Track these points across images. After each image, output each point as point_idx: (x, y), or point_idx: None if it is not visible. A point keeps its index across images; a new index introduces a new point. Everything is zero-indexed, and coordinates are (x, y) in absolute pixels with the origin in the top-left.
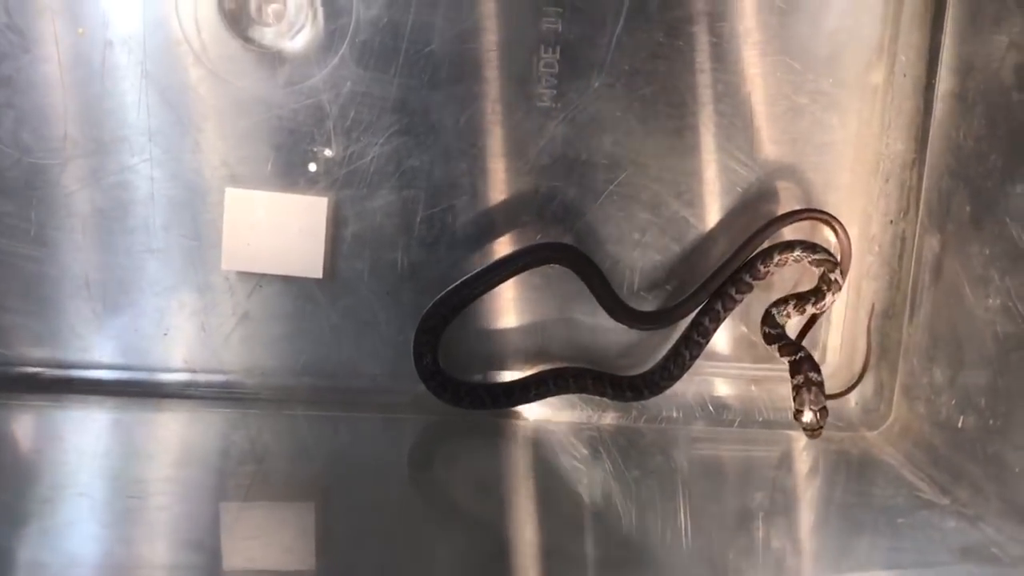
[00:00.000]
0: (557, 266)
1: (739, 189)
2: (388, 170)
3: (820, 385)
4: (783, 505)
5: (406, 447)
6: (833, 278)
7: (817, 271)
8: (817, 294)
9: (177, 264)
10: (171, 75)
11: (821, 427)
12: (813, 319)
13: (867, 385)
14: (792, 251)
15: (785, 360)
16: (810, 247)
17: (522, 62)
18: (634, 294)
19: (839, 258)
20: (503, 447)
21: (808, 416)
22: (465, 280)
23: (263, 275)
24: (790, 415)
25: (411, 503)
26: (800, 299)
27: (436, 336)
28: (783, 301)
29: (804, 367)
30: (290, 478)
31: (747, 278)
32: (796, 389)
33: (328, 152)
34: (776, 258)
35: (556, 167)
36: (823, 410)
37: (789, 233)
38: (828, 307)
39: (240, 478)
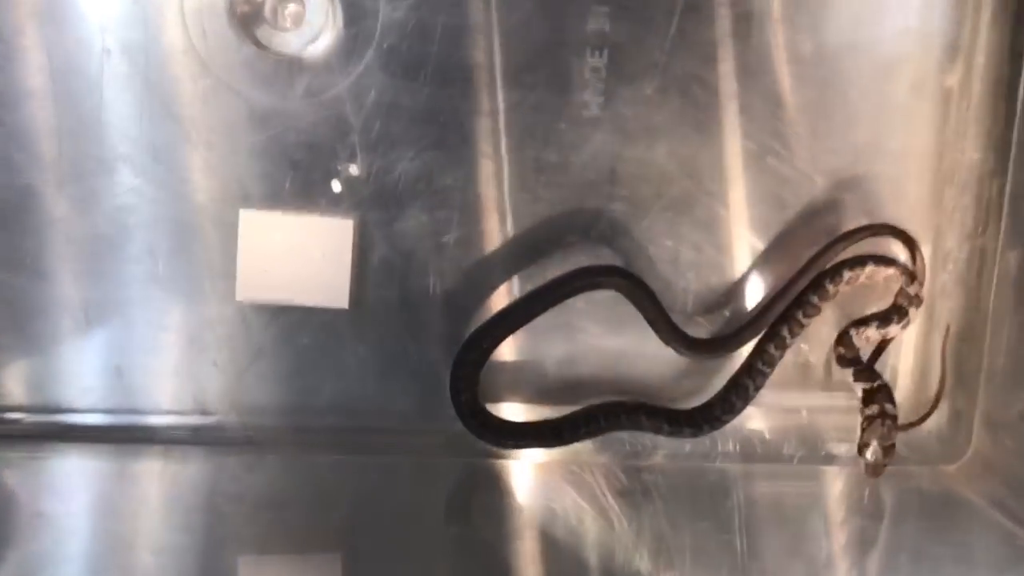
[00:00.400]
0: (605, 290)
1: (801, 204)
2: (419, 188)
3: (894, 419)
4: (852, 548)
5: (440, 494)
6: (913, 292)
7: (894, 287)
8: (899, 312)
9: (185, 295)
10: (177, 85)
11: (885, 466)
12: (884, 343)
13: (942, 414)
14: (864, 267)
15: (858, 387)
16: (883, 260)
17: (566, 67)
18: (688, 319)
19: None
20: (545, 490)
21: (874, 452)
22: (506, 309)
23: (282, 306)
24: (854, 448)
25: (445, 555)
26: (883, 319)
27: (475, 370)
28: (863, 322)
29: (880, 396)
30: (312, 527)
31: (815, 299)
32: (868, 420)
33: (352, 169)
34: (846, 275)
35: (603, 181)
36: (891, 447)
37: (855, 251)
38: (910, 325)
39: (258, 527)
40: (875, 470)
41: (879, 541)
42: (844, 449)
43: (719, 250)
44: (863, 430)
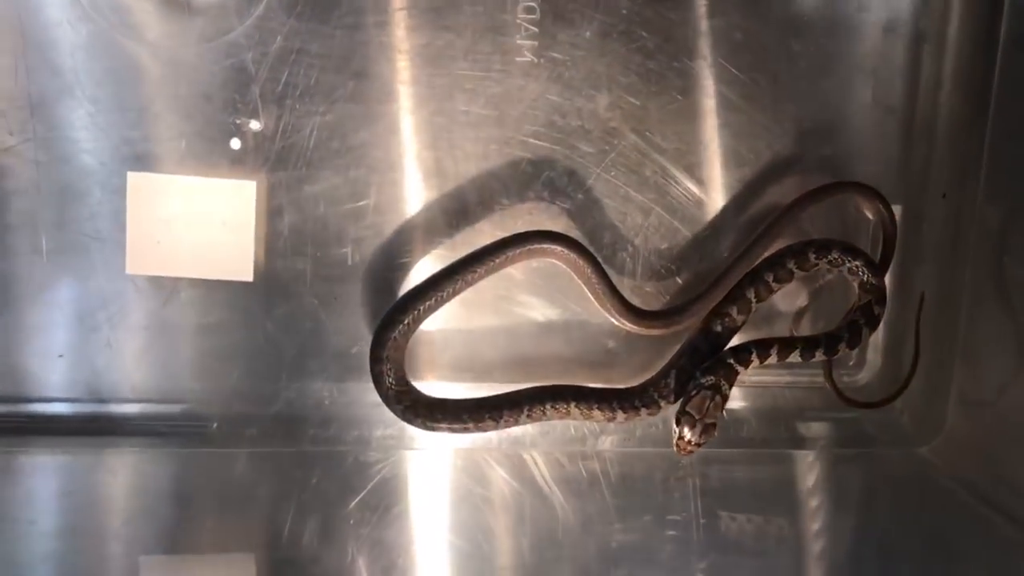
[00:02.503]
0: (545, 259)
1: (761, 160)
2: (332, 146)
3: (724, 399)
4: (816, 537)
5: (364, 485)
6: (872, 284)
7: (857, 288)
8: (852, 329)
9: (73, 268)
10: (56, 33)
11: (699, 445)
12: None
13: (915, 390)
14: (829, 252)
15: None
16: (851, 250)
17: (496, 6)
18: (636, 289)
19: (881, 262)
20: (481, 478)
21: (691, 427)
22: (432, 278)
23: (180, 279)
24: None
25: (370, 552)
26: (830, 342)
27: (399, 348)
28: (812, 344)
29: (723, 372)
30: (221, 525)
31: (770, 279)
32: (698, 389)
33: (255, 124)
34: (811, 258)
35: (541, 137)
36: (711, 427)
37: (822, 222)
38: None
39: (161, 525)
40: (686, 446)
41: (846, 530)
42: (810, 430)
43: (670, 212)
44: (689, 397)
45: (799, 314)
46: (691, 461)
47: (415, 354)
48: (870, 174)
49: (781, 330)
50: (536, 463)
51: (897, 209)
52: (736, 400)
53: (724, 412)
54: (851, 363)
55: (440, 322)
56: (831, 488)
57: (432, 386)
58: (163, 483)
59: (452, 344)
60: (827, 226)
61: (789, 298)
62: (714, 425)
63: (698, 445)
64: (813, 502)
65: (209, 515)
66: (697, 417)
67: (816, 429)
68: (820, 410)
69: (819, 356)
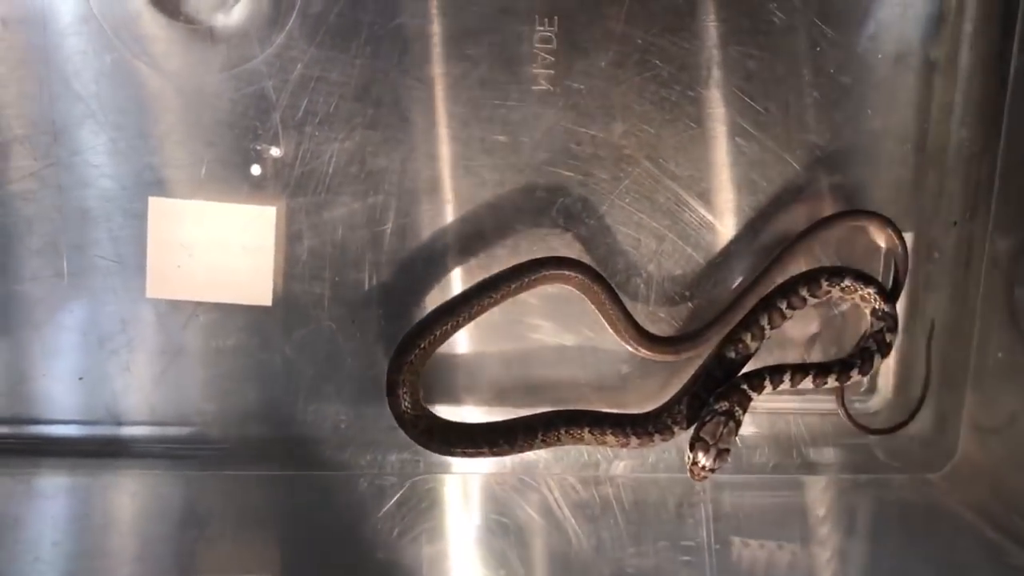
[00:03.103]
0: (560, 285)
1: (774, 188)
2: (351, 172)
3: (737, 425)
4: (828, 563)
5: (379, 511)
6: (885, 312)
7: (860, 321)
8: (864, 356)
9: (93, 292)
10: (80, 60)
11: (713, 471)
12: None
13: (926, 417)
14: (841, 279)
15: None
16: (863, 278)
17: (513, 37)
18: (650, 315)
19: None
20: (494, 504)
21: (705, 452)
22: (448, 303)
23: (199, 303)
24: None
25: None
26: (842, 368)
27: (415, 372)
28: (824, 369)
29: (736, 397)
30: (237, 548)
31: (783, 305)
32: (712, 415)
33: (275, 151)
34: (824, 285)
35: (556, 164)
36: (724, 453)
37: (834, 249)
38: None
39: (179, 547)
40: (700, 471)
41: (858, 556)
42: (822, 456)
43: (684, 239)
44: (702, 423)
45: (812, 341)
46: (704, 487)
47: (431, 378)
48: (882, 202)
49: (794, 357)
50: (550, 488)
51: (908, 237)
52: (749, 426)
53: (737, 438)
54: (863, 389)
55: (456, 347)
56: (843, 514)
57: (447, 410)
58: (179, 505)
59: (467, 368)
60: (839, 253)
61: (802, 325)
62: (728, 451)
63: (712, 470)
64: (825, 528)
65: (225, 538)
66: (711, 443)
67: (828, 455)
68: (832, 436)
69: (831, 382)
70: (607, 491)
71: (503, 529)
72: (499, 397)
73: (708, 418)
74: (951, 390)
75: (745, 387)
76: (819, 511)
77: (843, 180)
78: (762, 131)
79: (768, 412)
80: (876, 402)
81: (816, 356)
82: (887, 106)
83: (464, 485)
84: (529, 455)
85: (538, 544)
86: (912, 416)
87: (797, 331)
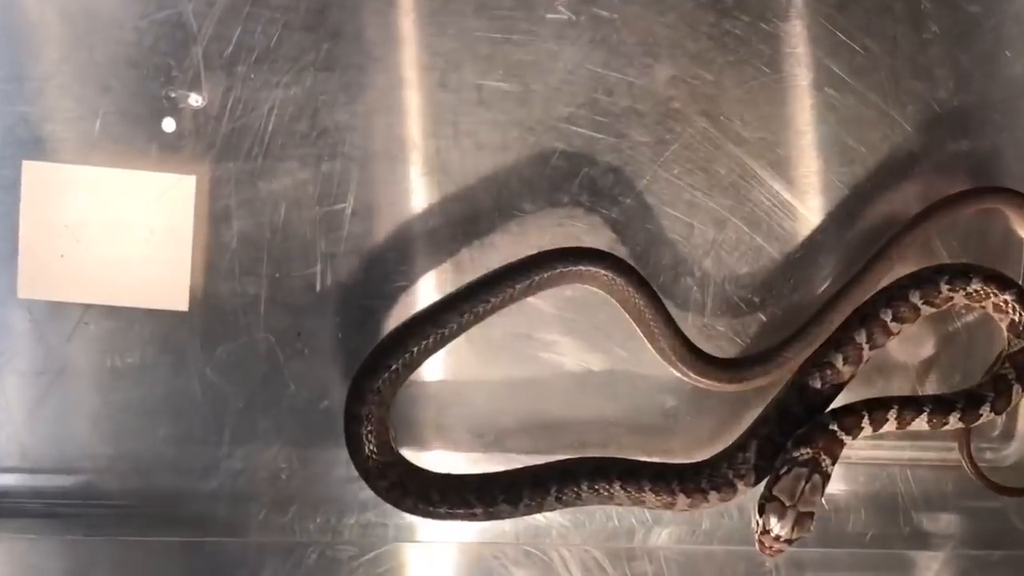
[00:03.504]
0: (582, 286)
1: (875, 157)
2: (297, 129)
3: (825, 479)
4: None
5: None
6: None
7: (1006, 330)
8: (999, 387)
9: None
10: None
11: (789, 543)
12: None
13: None
14: (968, 283)
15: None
16: (997, 280)
17: None
18: (704, 328)
19: None
20: None
21: (779, 518)
22: (430, 310)
23: (90, 306)
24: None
25: None
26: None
27: (384, 404)
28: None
29: (821, 438)
30: None
31: (887, 317)
32: (789, 466)
33: (196, 99)
34: (944, 290)
35: (579, 121)
36: (807, 518)
37: (957, 242)
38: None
39: None
40: (773, 543)
41: None
42: (938, 525)
43: (752, 225)
44: (776, 477)
45: (926, 367)
46: (777, 564)
47: (405, 414)
48: (1021, 177)
49: (901, 388)
50: (566, 564)
51: None
52: (838, 482)
53: (824, 498)
54: (996, 433)
55: (440, 371)
56: None
57: (428, 458)
58: None
59: (455, 401)
60: (966, 247)
61: (912, 345)
62: (811, 515)
63: (789, 542)
64: None
65: None
66: (788, 504)
67: (947, 523)
68: (952, 497)
69: (954, 422)
70: (645, 569)
71: None
72: (498, 441)
73: (784, 470)
74: None
75: (835, 428)
76: None
77: (971, 146)
78: (860, 79)
79: (865, 463)
80: (1015, 452)
81: (932, 387)
82: None
83: (452, 557)
84: (538, 519)
85: None
86: None
87: (906, 353)
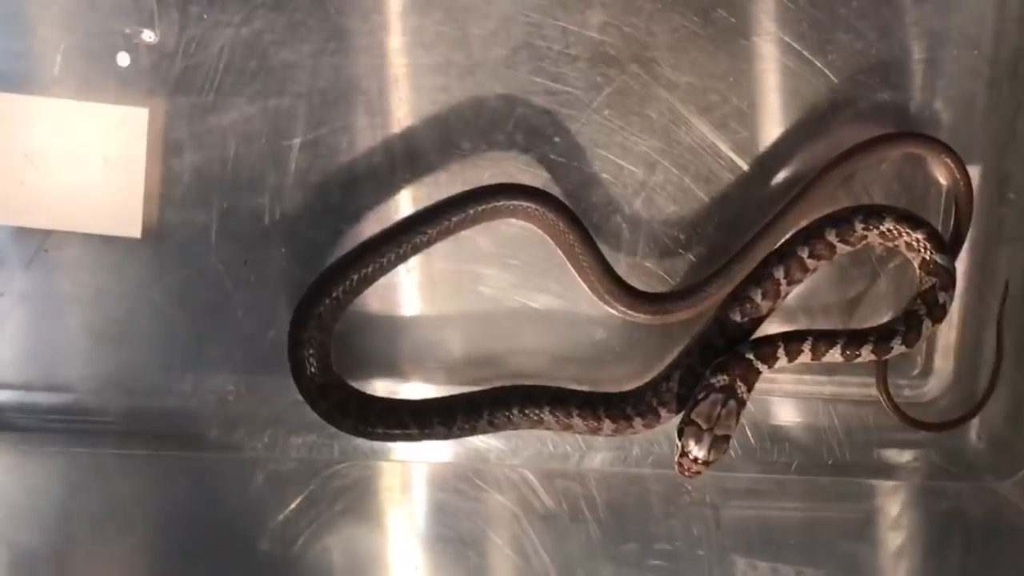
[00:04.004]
0: (516, 221)
1: (800, 103)
2: (248, 67)
3: (741, 405)
4: None
5: (278, 512)
6: (937, 264)
7: (917, 268)
8: (910, 321)
9: None
10: None
11: (707, 465)
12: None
13: (996, 407)
14: (881, 221)
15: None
16: (910, 219)
17: None
18: (635, 265)
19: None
20: (434, 509)
21: (697, 441)
22: (370, 240)
23: (48, 232)
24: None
25: None
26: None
27: (325, 330)
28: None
29: (738, 367)
30: (92, 556)
31: (804, 253)
32: (707, 392)
33: (149, 36)
34: (858, 228)
35: (515, 64)
36: (723, 441)
37: (879, 187)
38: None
39: (12, 554)
40: (691, 464)
41: None
42: (859, 457)
43: (680, 167)
44: (695, 402)
45: (850, 309)
46: (704, 490)
47: (349, 346)
48: (942, 125)
49: (821, 325)
50: (499, 486)
51: (975, 171)
52: (766, 415)
53: (741, 422)
54: (915, 372)
55: (382, 303)
56: (885, 531)
57: (371, 387)
58: (9, 498)
59: (397, 332)
60: (886, 193)
61: (839, 287)
62: (727, 438)
63: (706, 464)
64: (863, 549)
65: (73, 543)
66: (705, 428)
67: (867, 456)
68: (872, 431)
69: (867, 355)
70: (576, 491)
71: (435, 537)
72: (437, 370)
73: (702, 396)
74: None
75: (751, 357)
76: (854, 527)
77: (892, 96)
78: (786, 28)
79: (791, 396)
80: (932, 388)
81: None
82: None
83: (390, 477)
84: (477, 442)
85: (482, 560)
86: (978, 408)
87: (833, 295)
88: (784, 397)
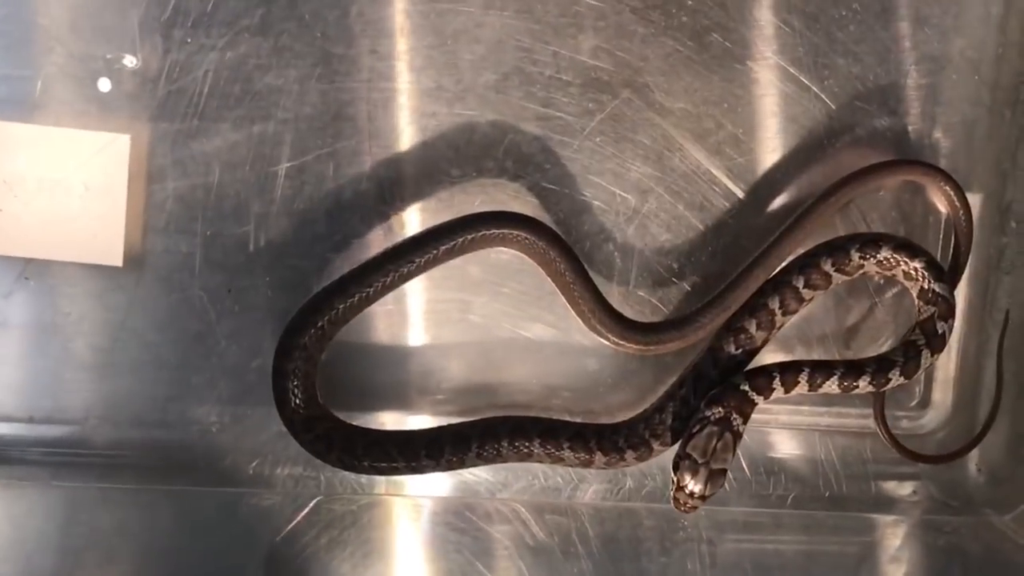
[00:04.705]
0: (506, 250)
1: (797, 130)
2: (233, 91)
3: (737, 438)
4: None
5: (260, 543)
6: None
7: (916, 298)
8: (909, 352)
9: None
10: None
11: (704, 499)
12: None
13: (996, 440)
14: (878, 250)
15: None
16: (907, 248)
17: None
18: (628, 294)
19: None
20: (424, 543)
21: (693, 475)
22: (357, 270)
23: (28, 261)
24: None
25: None
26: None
27: (311, 361)
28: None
29: (732, 399)
30: None
31: (799, 284)
32: (701, 425)
33: (131, 61)
34: (855, 257)
35: (505, 89)
36: (719, 475)
37: (877, 215)
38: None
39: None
40: (687, 499)
41: None
42: (856, 490)
43: (674, 195)
44: (690, 435)
45: (847, 339)
46: (697, 524)
47: (336, 375)
48: (941, 152)
49: (818, 354)
50: (490, 517)
51: (975, 199)
52: (761, 447)
53: (737, 456)
54: (913, 403)
55: (369, 333)
56: (883, 565)
57: (358, 419)
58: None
59: (385, 363)
60: (884, 221)
61: (836, 316)
62: (723, 472)
63: (703, 498)
64: None
65: (51, 571)
66: (701, 461)
67: (864, 489)
68: (870, 464)
69: (864, 386)
70: (568, 525)
71: (429, 573)
72: (426, 401)
73: (697, 429)
74: None
75: (746, 388)
76: (850, 562)
77: (890, 122)
78: (781, 53)
79: (787, 427)
80: (930, 420)
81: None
82: (953, 22)
83: (377, 511)
84: (467, 474)
85: None
86: (977, 440)
87: (830, 324)
88: (780, 428)
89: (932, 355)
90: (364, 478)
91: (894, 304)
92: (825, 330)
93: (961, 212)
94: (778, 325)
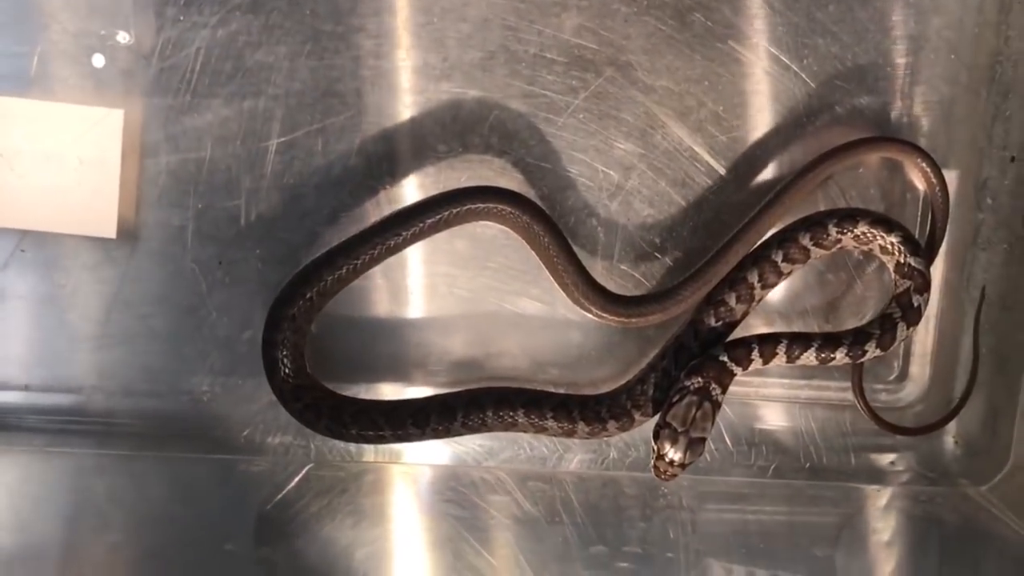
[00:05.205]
0: (491, 224)
1: (777, 108)
2: (224, 68)
3: (716, 407)
4: None
5: (250, 510)
6: (913, 266)
7: (892, 272)
8: (885, 325)
9: None
10: None
11: (683, 467)
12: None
13: (973, 413)
14: (855, 225)
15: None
16: (883, 222)
17: None
18: (611, 269)
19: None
20: (412, 511)
21: (672, 443)
22: (346, 242)
23: (24, 233)
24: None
25: None
26: (856, 340)
27: (300, 331)
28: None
29: (712, 369)
30: (66, 557)
31: (778, 258)
32: (681, 395)
33: (125, 37)
34: (832, 232)
35: (490, 67)
36: (698, 443)
37: (856, 192)
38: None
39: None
40: (667, 467)
41: None
42: (835, 461)
43: (656, 171)
44: (670, 405)
45: (827, 310)
46: (679, 493)
47: (326, 347)
48: (919, 129)
49: (798, 328)
50: (476, 487)
51: (952, 175)
52: (743, 419)
53: (718, 424)
54: (892, 376)
55: (357, 306)
56: (861, 535)
57: (347, 389)
58: None
59: (373, 335)
60: (863, 197)
61: (817, 291)
62: (703, 440)
63: (682, 466)
64: (836, 554)
65: (49, 541)
66: (680, 430)
67: (844, 460)
68: (849, 436)
69: (841, 358)
70: (553, 493)
71: (415, 541)
72: (413, 372)
73: (677, 398)
74: (1005, 379)
75: (725, 359)
76: (829, 532)
77: (869, 101)
78: (763, 34)
79: (768, 400)
80: (908, 393)
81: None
82: (930, 2)
83: (365, 480)
84: (453, 444)
85: (456, 560)
86: (954, 413)
87: (811, 300)
88: (762, 401)
89: (908, 328)
90: (353, 447)
91: (874, 279)
92: (806, 306)
93: (938, 188)
94: (757, 298)
